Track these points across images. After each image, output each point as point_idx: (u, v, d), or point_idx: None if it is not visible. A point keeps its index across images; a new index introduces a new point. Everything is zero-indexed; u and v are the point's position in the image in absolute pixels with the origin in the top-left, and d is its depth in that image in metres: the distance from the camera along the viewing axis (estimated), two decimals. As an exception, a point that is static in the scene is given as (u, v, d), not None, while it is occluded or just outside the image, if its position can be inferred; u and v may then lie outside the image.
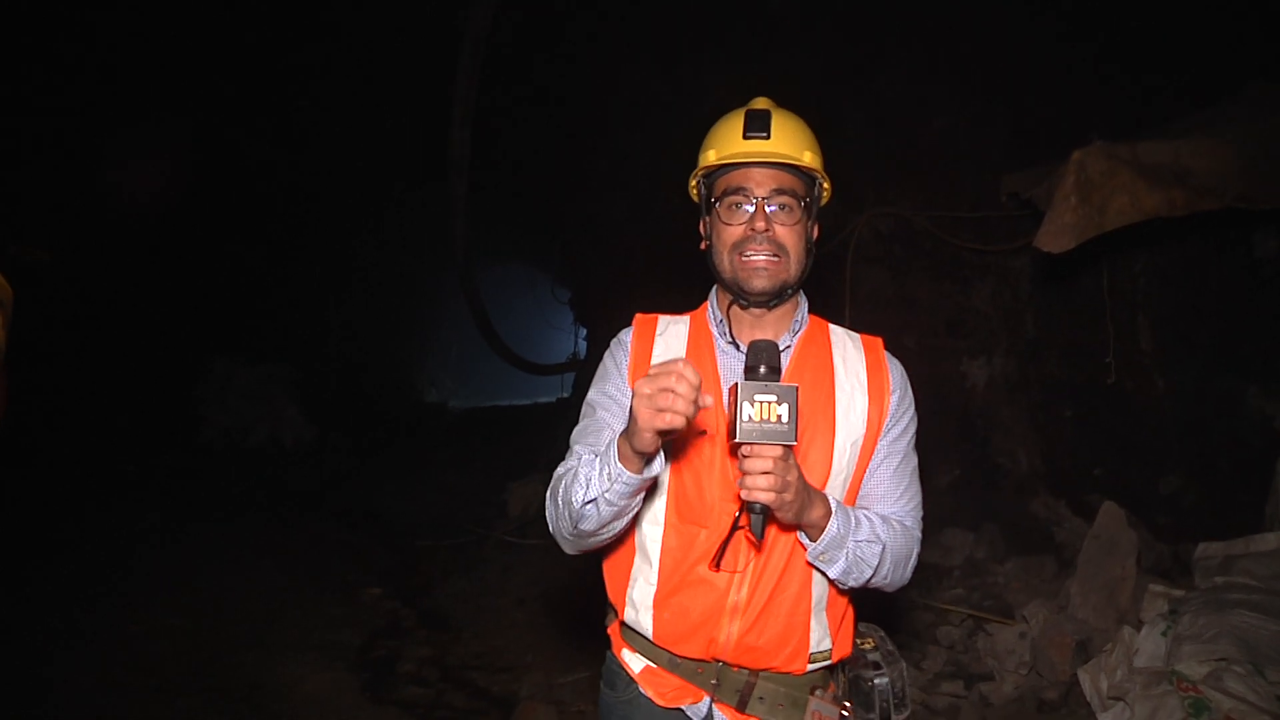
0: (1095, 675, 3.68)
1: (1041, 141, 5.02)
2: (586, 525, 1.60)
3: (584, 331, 13.79)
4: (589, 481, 1.56)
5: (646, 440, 1.40)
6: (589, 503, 1.56)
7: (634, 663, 1.84)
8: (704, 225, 1.81)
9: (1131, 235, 3.96)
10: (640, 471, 1.49)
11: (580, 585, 5.93)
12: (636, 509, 1.63)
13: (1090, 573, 4.24)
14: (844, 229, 6.07)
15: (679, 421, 1.35)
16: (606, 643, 1.94)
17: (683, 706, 1.79)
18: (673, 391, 1.34)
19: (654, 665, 1.81)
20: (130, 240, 10.17)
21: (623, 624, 1.86)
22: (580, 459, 1.65)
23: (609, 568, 1.88)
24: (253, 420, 11.82)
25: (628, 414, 1.67)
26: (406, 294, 16.71)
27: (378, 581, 6.41)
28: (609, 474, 1.51)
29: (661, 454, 1.50)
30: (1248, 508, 4.37)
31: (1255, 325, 4.73)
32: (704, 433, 1.69)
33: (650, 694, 1.80)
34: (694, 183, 1.82)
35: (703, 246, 1.80)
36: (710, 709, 1.77)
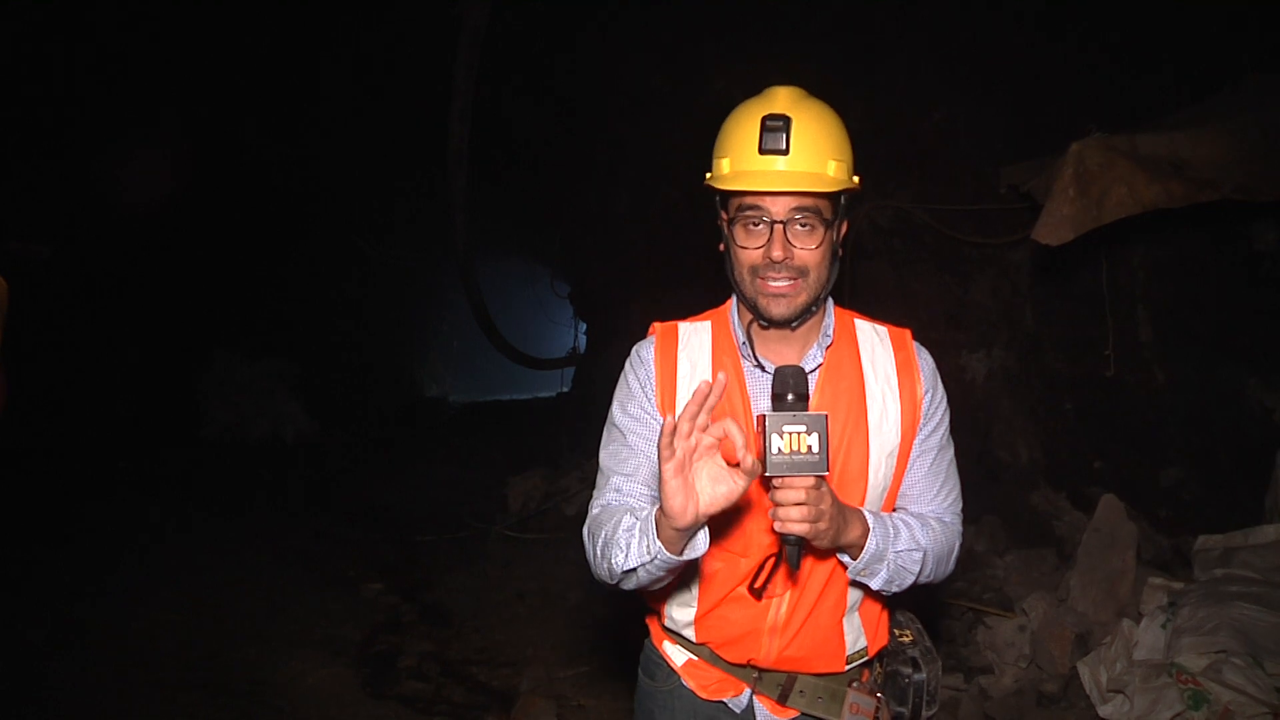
0: (1095, 668, 3.68)
1: (1041, 132, 5.00)
2: (627, 585, 1.59)
3: (584, 326, 13.79)
4: (628, 548, 1.51)
5: (674, 515, 1.38)
6: (629, 571, 1.53)
7: (676, 655, 1.84)
8: (721, 224, 1.68)
9: (1130, 227, 3.95)
10: (681, 554, 1.46)
11: (581, 580, 5.95)
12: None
13: (1090, 565, 4.24)
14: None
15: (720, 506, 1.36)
16: (643, 631, 1.93)
17: (724, 699, 1.79)
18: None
19: (696, 659, 1.81)
20: (131, 235, 10.16)
21: (663, 625, 1.85)
22: (619, 522, 1.57)
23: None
24: (253, 415, 11.84)
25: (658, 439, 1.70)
26: (407, 288, 16.70)
27: (378, 576, 6.42)
28: (648, 548, 1.47)
29: (705, 532, 1.46)
30: (1248, 500, 4.37)
31: (1255, 317, 4.72)
32: (737, 465, 1.66)
33: (692, 685, 1.81)
34: (708, 180, 1.67)
35: (720, 248, 1.69)
36: (751, 701, 1.78)
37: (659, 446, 1.34)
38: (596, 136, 9.48)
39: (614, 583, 1.59)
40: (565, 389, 13.41)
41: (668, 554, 1.44)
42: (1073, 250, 3.98)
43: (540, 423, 11.83)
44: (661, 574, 1.52)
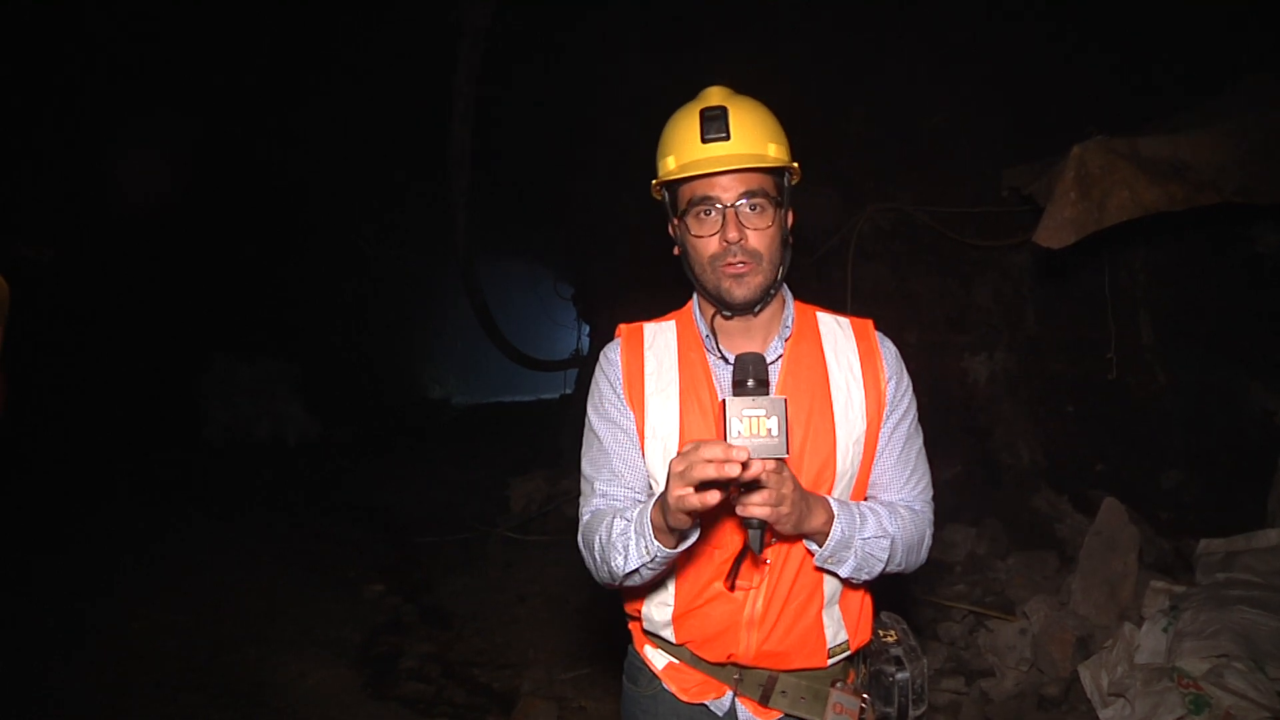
0: (1096, 671, 3.68)
1: (1044, 134, 5.00)
2: (631, 583, 1.65)
3: (587, 328, 13.79)
4: (627, 551, 1.58)
5: (682, 520, 1.42)
6: (632, 572, 1.59)
7: (657, 659, 1.84)
8: (673, 229, 1.74)
9: (1132, 230, 3.95)
10: (677, 546, 1.52)
11: (582, 582, 5.94)
12: None
13: (1091, 568, 4.24)
14: (845, 225, 6.06)
15: (716, 500, 1.36)
16: (627, 637, 1.94)
17: (706, 702, 1.79)
18: (709, 472, 1.32)
19: (676, 662, 1.81)
20: (134, 237, 10.19)
21: (645, 630, 1.86)
22: (612, 526, 1.62)
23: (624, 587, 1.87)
24: (255, 416, 11.87)
25: (634, 438, 1.73)
26: (410, 290, 16.72)
27: (379, 578, 6.42)
28: (646, 549, 1.54)
29: (696, 521, 1.51)
30: (1249, 503, 4.36)
31: (1256, 320, 4.72)
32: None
33: (673, 689, 1.81)
34: (656, 185, 1.73)
35: (675, 253, 1.75)
36: (733, 703, 1.78)
37: (671, 462, 1.38)
38: (598, 137, 9.48)
39: (616, 584, 1.66)
40: (568, 390, 13.39)
41: (666, 550, 1.51)
42: (1074, 253, 3.98)
43: (543, 424, 11.82)
44: (661, 568, 1.60)
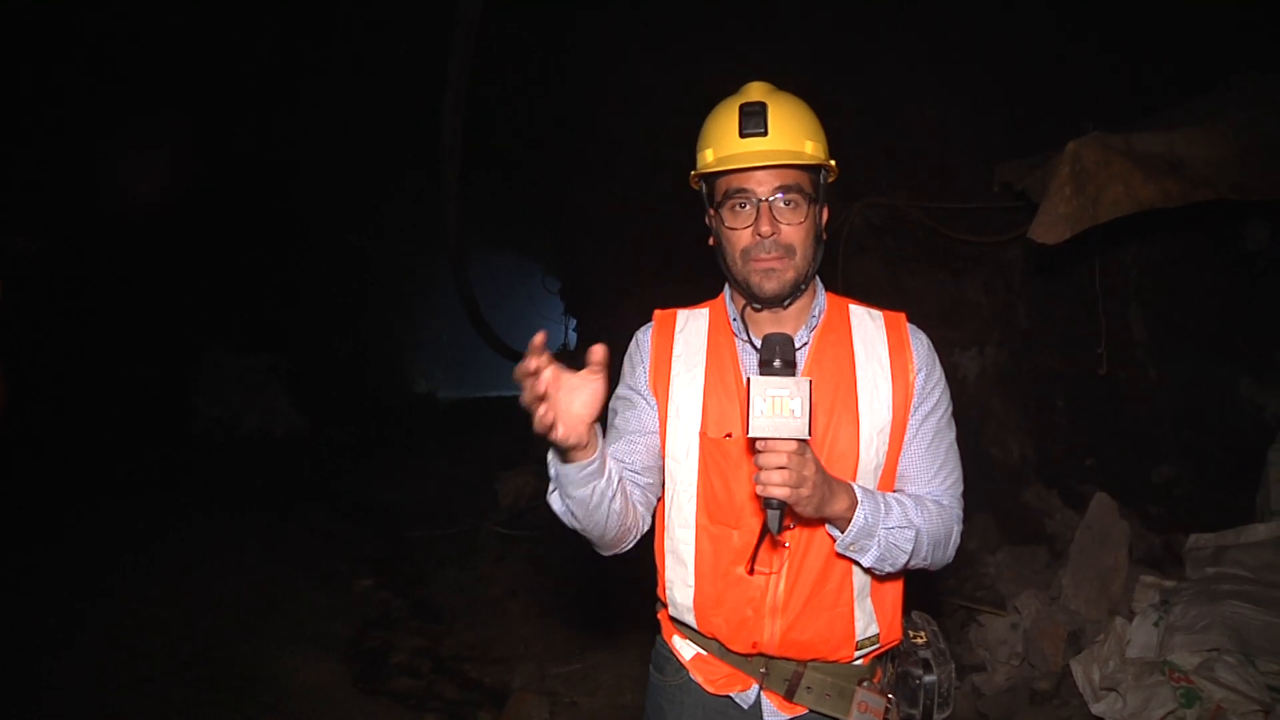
0: (1087, 666, 3.69)
1: (1034, 131, 5.01)
2: (574, 524, 1.65)
3: (574, 322, 13.78)
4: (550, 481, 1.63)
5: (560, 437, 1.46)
6: (553, 494, 1.63)
7: (684, 649, 1.85)
8: (709, 220, 1.76)
9: (1124, 226, 3.95)
10: (570, 462, 1.52)
11: (573, 577, 5.95)
12: (614, 495, 1.62)
13: (1082, 563, 4.25)
14: (837, 219, 6.06)
15: (551, 420, 1.43)
16: (656, 626, 1.95)
17: (731, 694, 1.80)
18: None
19: (704, 653, 1.82)
20: (121, 229, 10.09)
21: (671, 616, 1.87)
22: None
23: (658, 563, 1.88)
24: (244, 411, 11.78)
25: (645, 421, 1.77)
26: (398, 284, 16.65)
27: (369, 572, 6.40)
28: (551, 470, 1.59)
29: (599, 437, 1.53)
30: (1240, 498, 4.38)
31: (1247, 316, 4.74)
32: (729, 434, 1.69)
33: (700, 680, 1.82)
34: (694, 177, 1.77)
35: (710, 243, 1.77)
36: (758, 696, 1.78)
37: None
38: (590, 132, 9.46)
39: (581, 532, 1.67)
40: (556, 386, 13.36)
41: (559, 464, 1.54)
42: (1066, 248, 3.98)
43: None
44: (578, 493, 1.57)
